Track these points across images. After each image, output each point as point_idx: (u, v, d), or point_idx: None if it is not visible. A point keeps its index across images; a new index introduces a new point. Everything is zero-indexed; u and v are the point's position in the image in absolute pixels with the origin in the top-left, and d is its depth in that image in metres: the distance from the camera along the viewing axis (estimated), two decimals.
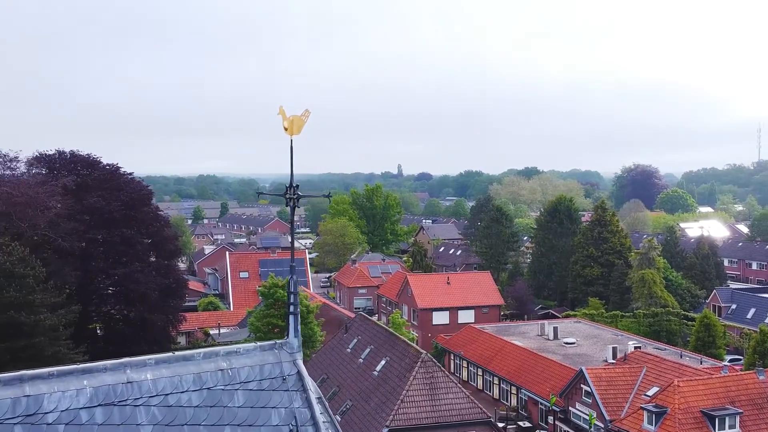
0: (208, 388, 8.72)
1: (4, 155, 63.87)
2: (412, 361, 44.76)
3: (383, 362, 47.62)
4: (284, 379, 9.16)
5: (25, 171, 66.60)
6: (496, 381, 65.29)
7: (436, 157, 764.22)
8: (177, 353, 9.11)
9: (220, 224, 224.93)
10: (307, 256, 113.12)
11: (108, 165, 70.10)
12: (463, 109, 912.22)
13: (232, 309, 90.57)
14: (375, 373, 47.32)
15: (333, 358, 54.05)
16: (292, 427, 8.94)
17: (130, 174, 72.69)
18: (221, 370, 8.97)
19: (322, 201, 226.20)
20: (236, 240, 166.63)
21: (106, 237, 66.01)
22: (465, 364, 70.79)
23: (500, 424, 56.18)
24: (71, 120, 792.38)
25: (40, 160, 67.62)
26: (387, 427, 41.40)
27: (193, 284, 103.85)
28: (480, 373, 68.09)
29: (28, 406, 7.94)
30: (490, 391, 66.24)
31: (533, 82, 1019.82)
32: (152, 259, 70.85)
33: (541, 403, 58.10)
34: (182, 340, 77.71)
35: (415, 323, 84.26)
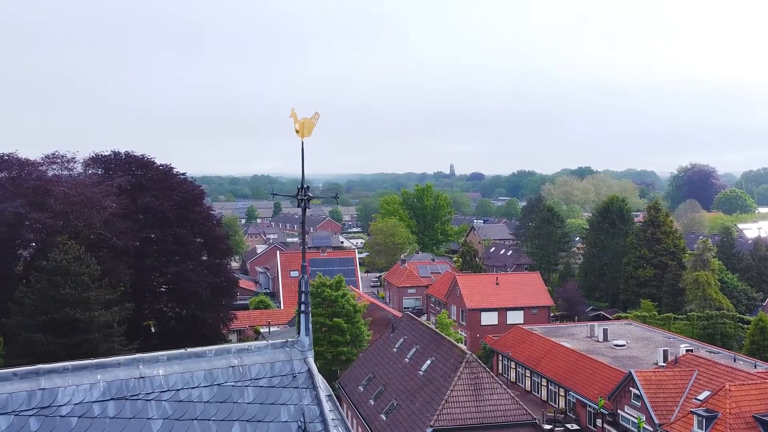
0: (219, 384, 9.02)
1: (62, 156, 65.82)
2: (457, 362, 44.76)
3: (429, 362, 47.73)
4: (294, 377, 9.40)
5: (82, 171, 68.48)
6: (544, 383, 64.81)
7: (489, 156, 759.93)
8: (189, 350, 9.43)
9: (273, 224, 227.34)
10: (357, 255, 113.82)
11: (161, 165, 71.60)
12: (518, 109, 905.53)
13: (282, 308, 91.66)
14: (420, 372, 47.47)
15: (380, 357, 54.36)
16: (300, 424, 9.18)
17: (183, 174, 74.24)
18: (232, 366, 9.27)
19: (373, 201, 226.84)
20: (288, 239, 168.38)
21: (160, 236, 67.41)
22: (513, 365, 70.41)
23: (548, 426, 55.82)
24: (131, 123, 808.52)
25: (96, 160, 69.42)
26: (431, 427, 41.50)
27: (245, 283, 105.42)
28: (528, 374, 67.65)
29: (43, 399, 8.32)
30: (538, 393, 65.78)
31: (590, 82, 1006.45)
32: (204, 258, 72.08)
33: (590, 406, 57.49)
34: (233, 338, 78.86)
35: (463, 323, 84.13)
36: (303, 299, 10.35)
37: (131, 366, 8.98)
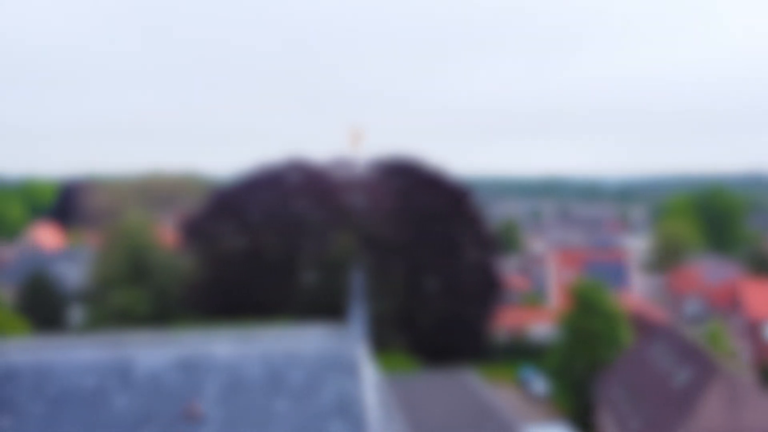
0: (271, 364, 10.84)
1: (344, 159, 72.41)
2: (713, 374, 42.56)
3: (686, 372, 45.82)
4: (341, 363, 10.92)
5: (363, 173, 74.69)
6: None
7: None
8: (248, 333, 11.44)
9: (557, 223, 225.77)
10: (636, 257, 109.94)
11: (434, 166, 75.56)
12: None
13: (553, 307, 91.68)
14: (676, 382, 45.75)
15: (636, 363, 53.05)
16: (340, 405, 10.59)
17: (459, 174, 77.71)
18: (285, 349, 11.05)
19: (666, 201, 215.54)
20: (571, 239, 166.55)
21: (430, 234, 71.24)
22: None
23: None
24: (412, 124, 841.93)
25: (375, 163, 75.21)
26: None
27: (517, 280, 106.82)
28: None
29: (123, 363, 10.93)
30: None
31: None
32: (474, 255, 74.68)
33: None
34: (501, 334, 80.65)
35: (744, 335, 77.96)
36: (356, 294, 11.82)
37: (198, 342, 11.25)
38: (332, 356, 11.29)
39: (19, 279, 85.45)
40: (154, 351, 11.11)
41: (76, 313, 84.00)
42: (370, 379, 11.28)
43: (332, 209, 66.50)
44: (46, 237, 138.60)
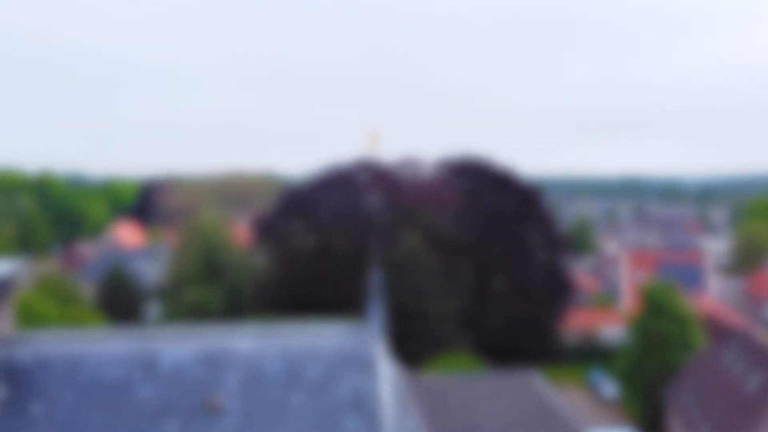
0: (290, 358, 11.27)
1: (412, 159, 72.82)
2: None
3: (758, 378, 44.58)
4: (358, 359, 11.23)
5: (431, 173, 74.95)
6: None
7: None
8: (268, 327, 11.94)
9: (633, 224, 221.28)
10: (714, 260, 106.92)
11: (504, 166, 75.21)
12: None
13: (625, 309, 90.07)
14: (747, 388, 44.56)
15: (708, 367, 51.83)
16: (355, 400, 10.92)
17: (533, 174, 77.17)
18: (305, 345, 11.45)
19: (748, 202, 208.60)
20: (647, 240, 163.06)
21: (498, 234, 70.97)
22: None
23: None
24: (481, 123, 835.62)
25: (443, 163, 75.36)
26: None
27: (590, 282, 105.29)
28: None
29: (148, 356, 11.67)
30: None
31: None
32: (543, 256, 74.03)
33: None
34: (571, 336, 79.73)
35: None
36: (374, 293, 12.13)
37: (220, 337, 11.85)
38: (350, 352, 11.66)
39: (100, 276, 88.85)
40: (179, 344, 11.80)
41: (152, 309, 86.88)
42: (387, 376, 11.61)
43: (400, 209, 66.98)
44: (127, 235, 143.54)
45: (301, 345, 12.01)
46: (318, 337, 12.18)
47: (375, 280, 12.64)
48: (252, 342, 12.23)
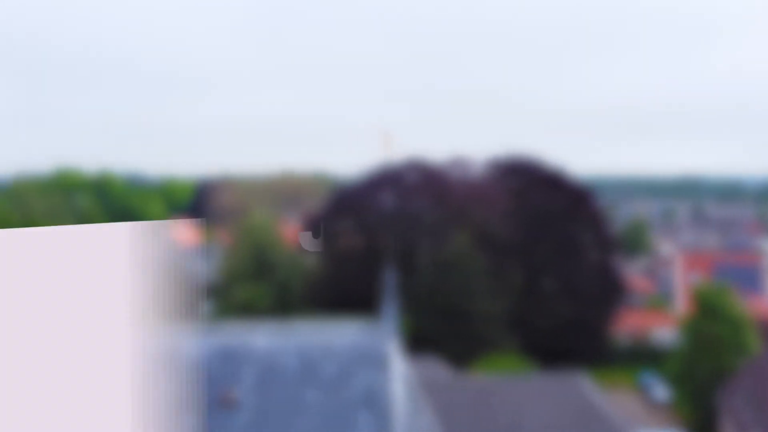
0: (305, 355, 11.39)
1: (460, 158, 72.58)
2: None
3: None
4: (372, 357, 11.31)
5: (480, 172, 74.63)
6: None
7: None
8: (285, 326, 12.03)
9: (690, 224, 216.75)
10: None
11: (554, 165, 74.50)
12: None
13: (679, 311, 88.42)
14: None
15: (762, 371, 50.63)
16: (368, 397, 11.02)
17: (586, 174, 76.32)
18: (320, 342, 11.56)
19: None
20: (703, 241, 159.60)
21: (548, 234, 70.35)
22: None
23: None
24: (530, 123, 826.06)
25: (492, 162, 74.95)
26: None
27: (643, 283, 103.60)
28: None
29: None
30: None
31: None
32: (595, 257, 73.16)
33: None
34: (623, 338, 78.60)
35: None
36: (389, 294, 12.18)
37: (238, 333, 11.99)
38: (363, 350, 11.82)
39: None
40: (198, 340, 12.10)
41: (204, 307, 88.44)
42: (400, 373, 11.75)
43: (448, 208, 66.92)
44: (182, 234, 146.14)
45: (316, 342, 12.22)
46: (333, 335, 12.36)
47: (389, 279, 12.78)
48: (269, 339, 12.48)
